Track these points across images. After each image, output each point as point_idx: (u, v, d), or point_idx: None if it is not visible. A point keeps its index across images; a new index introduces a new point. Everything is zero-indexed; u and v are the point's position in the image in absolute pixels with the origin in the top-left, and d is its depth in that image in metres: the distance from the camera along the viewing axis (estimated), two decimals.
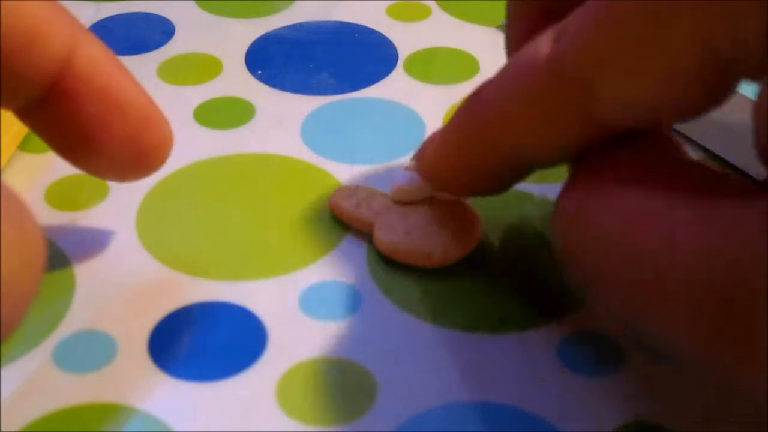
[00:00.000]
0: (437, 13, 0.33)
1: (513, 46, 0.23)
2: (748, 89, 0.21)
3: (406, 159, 0.26)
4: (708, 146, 0.26)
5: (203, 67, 0.30)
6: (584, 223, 0.17)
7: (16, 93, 0.19)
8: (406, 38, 0.31)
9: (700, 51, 0.15)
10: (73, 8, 0.20)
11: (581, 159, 0.19)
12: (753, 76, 0.16)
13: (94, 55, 0.20)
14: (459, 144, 0.21)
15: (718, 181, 0.17)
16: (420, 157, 0.23)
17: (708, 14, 0.15)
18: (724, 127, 0.26)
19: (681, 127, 0.27)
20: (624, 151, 0.18)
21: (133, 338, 0.21)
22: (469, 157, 0.20)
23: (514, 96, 0.19)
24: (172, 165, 0.22)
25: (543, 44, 0.18)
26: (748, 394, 0.15)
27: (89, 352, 0.20)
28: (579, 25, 0.17)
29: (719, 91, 0.17)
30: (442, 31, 0.32)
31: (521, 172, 0.20)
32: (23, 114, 0.20)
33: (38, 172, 0.25)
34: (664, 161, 0.18)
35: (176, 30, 0.32)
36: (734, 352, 0.15)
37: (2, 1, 0.18)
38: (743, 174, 0.25)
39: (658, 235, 0.16)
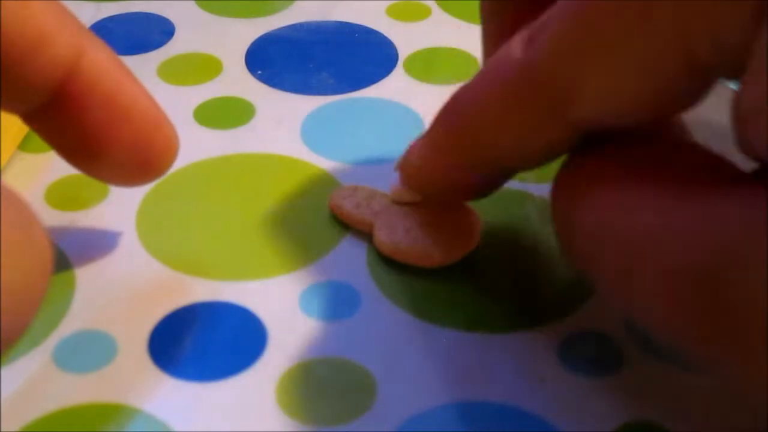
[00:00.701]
0: (437, 13, 0.33)
1: (490, 47, 0.23)
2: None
3: None
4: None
5: (203, 67, 0.30)
6: (580, 202, 0.17)
7: (22, 98, 0.19)
8: (406, 38, 0.31)
9: (678, 52, 0.15)
10: (73, 8, 0.20)
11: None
12: (732, 77, 0.16)
13: (101, 60, 0.20)
14: (439, 148, 0.21)
15: (714, 166, 0.17)
16: (402, 164, 0.23)
17: (687, 15, 0.15)
18: (713, 126, 0.26)
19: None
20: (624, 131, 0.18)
21: (133, 338, 0.21)
22: (450, 162, 0.20)
23: (489, 100, 0.19)
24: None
25: (516, 47, 0.18)
26: (743, 387, 0.15)
27: (89, 352, 0.20)
28: (552, 27, 0.17)
29: (697, 90, 0.16)
30: (442, 31, 0.32)
31: (501, 175, 0.21)
32: (29, 118, 0.20)
33: (38, 172, 0.25)
34: (664, 143, 0.18)
35: (176, 30, 0.32)
36: (721, 340, 0.15)
37: (8, 6, 0.18)
38: None
39: (651, 217, 0.16)
